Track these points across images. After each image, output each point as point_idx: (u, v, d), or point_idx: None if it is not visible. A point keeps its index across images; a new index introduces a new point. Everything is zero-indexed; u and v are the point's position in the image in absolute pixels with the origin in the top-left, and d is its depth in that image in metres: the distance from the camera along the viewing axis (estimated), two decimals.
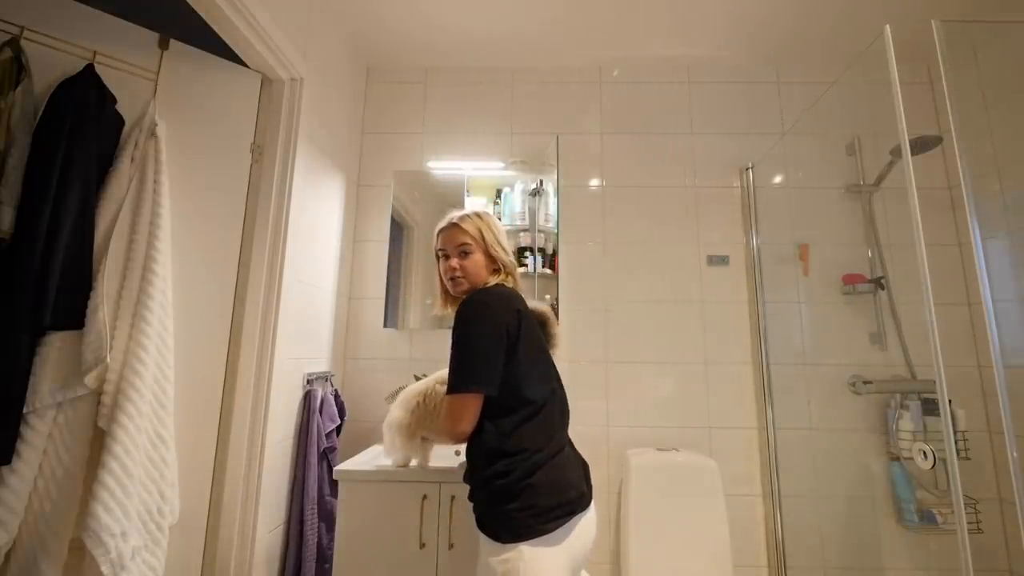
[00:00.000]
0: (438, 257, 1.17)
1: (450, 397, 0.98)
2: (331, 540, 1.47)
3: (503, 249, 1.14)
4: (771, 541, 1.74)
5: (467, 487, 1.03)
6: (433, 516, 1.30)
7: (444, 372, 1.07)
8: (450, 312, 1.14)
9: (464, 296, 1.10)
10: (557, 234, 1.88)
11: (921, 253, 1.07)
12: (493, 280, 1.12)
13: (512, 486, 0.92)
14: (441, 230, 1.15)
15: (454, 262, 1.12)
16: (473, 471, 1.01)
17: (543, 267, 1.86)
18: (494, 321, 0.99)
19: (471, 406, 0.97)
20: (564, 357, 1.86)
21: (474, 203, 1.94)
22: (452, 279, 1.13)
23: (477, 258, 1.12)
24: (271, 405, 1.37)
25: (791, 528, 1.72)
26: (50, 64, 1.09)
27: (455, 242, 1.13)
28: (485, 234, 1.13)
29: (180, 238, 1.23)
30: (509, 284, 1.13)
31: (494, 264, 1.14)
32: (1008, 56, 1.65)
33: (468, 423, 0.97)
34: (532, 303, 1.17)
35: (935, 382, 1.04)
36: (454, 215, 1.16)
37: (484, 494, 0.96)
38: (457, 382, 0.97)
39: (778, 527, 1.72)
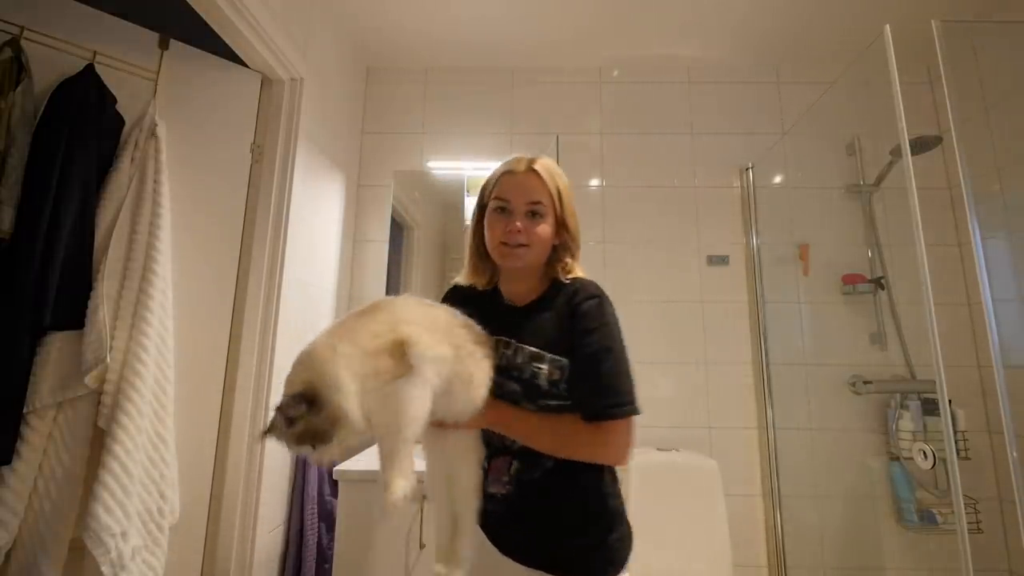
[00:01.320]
0: (486, 208, 0.84)
1: (621, 423, 0.77)
2: (331, 540, 1.47)
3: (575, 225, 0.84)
4: (771, 541, 1.74)
5: None
6: (433, 516, 1.30)
7: (479, 331, 0.77)
8: (477, 286, 0.88)
9: (518, 272, 0.84)
10: None
11: (921, 253, 1.07)
12: (577, 269, 0.84)
13: (617, 511, 0.81)
14: (506, 173, 0.83)
15: (520, 223, 0.79)
16: (567, 509, 0.80)
17: None
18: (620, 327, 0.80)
19: (632, 431, 0.78)
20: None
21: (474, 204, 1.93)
22: (511, 245, 0.80)
23: (548, 226, 0.81)
24: (271, 405, 1.37)
25: (791, 528, 1.72)
26: (50, 64, 1.08)
27: (527, 196, 0.80)
28: (564, 195, 0.82)
29: (180, 238, 1.23)
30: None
31: (560, 239, 0.83)
32: (1008, 56, 1.64)
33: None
34: None
35: (935, 382, 1.04)
36: (527, 156, 0.83)
37: (590, 527, 0.79)
38: (628, 402, 0.77)
39: (778, 527, 1.72)
